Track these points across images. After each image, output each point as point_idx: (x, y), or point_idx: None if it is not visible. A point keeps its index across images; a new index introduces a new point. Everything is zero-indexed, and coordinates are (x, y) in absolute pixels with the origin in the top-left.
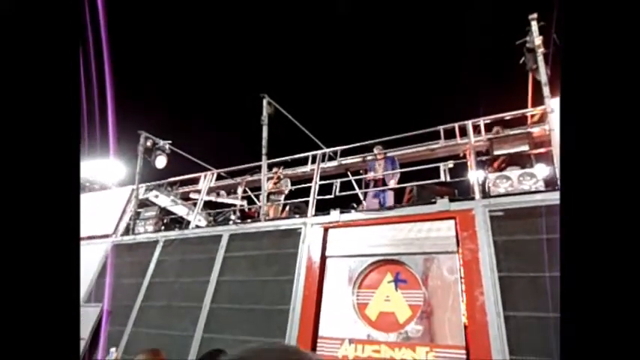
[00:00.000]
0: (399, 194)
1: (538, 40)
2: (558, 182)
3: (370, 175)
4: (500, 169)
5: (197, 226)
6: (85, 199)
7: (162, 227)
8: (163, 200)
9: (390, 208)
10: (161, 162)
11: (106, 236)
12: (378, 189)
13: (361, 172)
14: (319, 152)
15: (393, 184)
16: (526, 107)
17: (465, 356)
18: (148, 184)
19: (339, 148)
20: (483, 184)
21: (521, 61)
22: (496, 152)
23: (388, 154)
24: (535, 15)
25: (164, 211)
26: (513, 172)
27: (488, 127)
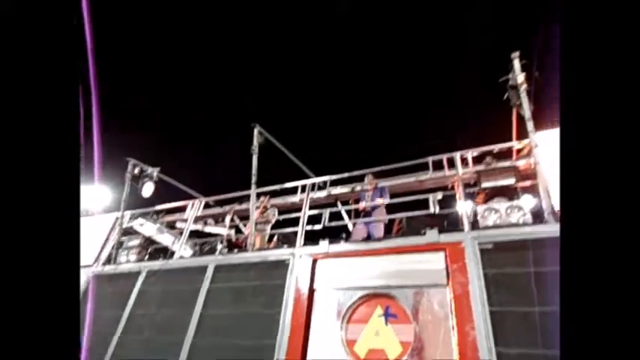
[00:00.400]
0: (388, 225)
1: (521, 77)
2: (545, 215)
3: (361, 205)
4: (485, 201)
5: (182, 257)
6: None
7: (147, 257)
8: (149, 229)
9: (379, 240)
10: (148, 190)
11: (87, 266)
12: (367, 219)
13: (350, 202)
14: (309, 182)
15: (378, 213)
16: (512, 140)
17: None
18: (133, 211)
19: (328, 178)
20: (471, 216)
21: (504, 97)
22: (484, 185)
23: (379, 185)
24: (517, 53)
25: (148, 240)
26: (501, 205)
27: (477, 159)
